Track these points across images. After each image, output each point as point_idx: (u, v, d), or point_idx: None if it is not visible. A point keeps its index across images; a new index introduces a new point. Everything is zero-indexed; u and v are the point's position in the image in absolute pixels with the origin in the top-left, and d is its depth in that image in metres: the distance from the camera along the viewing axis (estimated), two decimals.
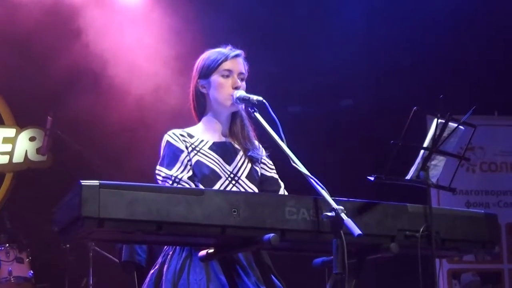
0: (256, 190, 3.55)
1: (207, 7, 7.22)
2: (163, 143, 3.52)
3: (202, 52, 3.69)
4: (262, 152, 3.70)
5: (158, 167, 3.48)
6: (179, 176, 3.41)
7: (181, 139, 3.51)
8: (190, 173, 3.44)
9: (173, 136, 3.52)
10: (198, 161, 3.47)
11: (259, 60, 3.92)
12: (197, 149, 3.51)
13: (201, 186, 3.40)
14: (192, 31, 7.00)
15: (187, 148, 3.49)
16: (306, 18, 7.40)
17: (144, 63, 7.15)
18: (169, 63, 6.99)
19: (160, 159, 3.50)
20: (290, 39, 7.39)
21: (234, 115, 3.66)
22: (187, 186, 3.39)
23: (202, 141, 3.56)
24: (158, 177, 3.45)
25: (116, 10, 7.32)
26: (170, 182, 3.39)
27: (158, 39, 7.24)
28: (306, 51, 7.56)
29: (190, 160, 3.47)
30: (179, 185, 3.38)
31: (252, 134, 3.67)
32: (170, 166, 3.44)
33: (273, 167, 3.72)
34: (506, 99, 7.49)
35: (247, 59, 3.66)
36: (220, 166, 3.51)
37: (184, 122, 3.70)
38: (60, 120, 7.03)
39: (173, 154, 3.47)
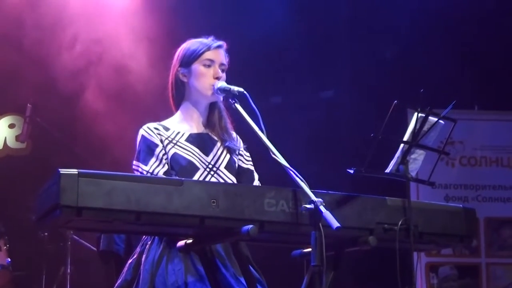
0: (235, 181, 3.56)
1: None
2: (138, 138, 3.54)
3: (182, 40, 3.69)
4: (240, 144, 3.72)
5: (134, 162, 3.51)
6: (155, 172, 3.42)
7: (155, 133, 3.52)
8: (166, 167, 3.46)
9: (147, 130, 3.53)
10: (175, 154, 3.49)
11: (238, 51, 3.91)
12: (174, 141, 3.52)
13: None
14: (170, 20, 6.99)
15: (162, 142, 3.51)
16: (288, 7, 7.38)
17: (126, 52, 7.13)
18: (150, 52, 6.97)
19: (136, 154, 3.52)
20: (271, 30, 7.36)
21: (212, 106, 3.68)
22: None
23: (178, 133, 3.57)
24: (135, 172, 3.48)
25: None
26: None
27: (138, 27, 7.21)
28: (287, 42, 7.54)
29: (166, 153, 3.48)
30: None
31: (229, 125, 3.69)
32: (145, 161, 3.46)
33: (250, 159, 3.75)
34: (486, 94, 7.51)
35: (228, 50, 3.67)
36: (198, 157, 3.52)
37: (162, 111, 3.69)
38: (39, 108, 6.99)
39: (148, 149, 3.48)
